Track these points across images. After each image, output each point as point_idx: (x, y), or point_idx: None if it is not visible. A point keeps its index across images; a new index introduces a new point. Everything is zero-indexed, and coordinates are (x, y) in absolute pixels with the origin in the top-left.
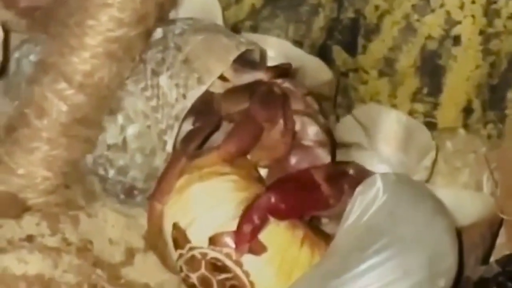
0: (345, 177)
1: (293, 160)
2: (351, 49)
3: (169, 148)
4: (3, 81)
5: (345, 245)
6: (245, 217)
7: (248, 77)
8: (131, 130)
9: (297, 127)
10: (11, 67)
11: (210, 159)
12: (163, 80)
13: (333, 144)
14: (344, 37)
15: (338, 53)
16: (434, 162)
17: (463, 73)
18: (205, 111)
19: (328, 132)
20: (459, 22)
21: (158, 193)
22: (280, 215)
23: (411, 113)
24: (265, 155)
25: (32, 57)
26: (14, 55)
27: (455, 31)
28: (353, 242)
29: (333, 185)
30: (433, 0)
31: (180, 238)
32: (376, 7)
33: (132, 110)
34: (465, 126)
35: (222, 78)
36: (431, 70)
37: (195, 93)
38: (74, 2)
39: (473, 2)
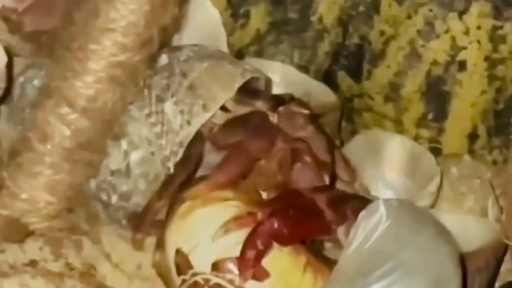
0: (348, 202)
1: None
2: (356, 74)
3: None
4: (7, 106)
5: (349, 270)
6: (248, 242)
7: (249, 108)
8: (134, 156)
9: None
10: (15, 92)
11: (198, 190)
12: (168, 106)
13: (333, 168)
14: (349, 62)
15: (343, 79)
16: (439, 187)
17: (468, 99)
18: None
19: (329, 155)
20: (465, 48)
21: (136, 229)
22: (283, 241)
23: (416, 138)
24: (264, 181)
25: (36, 82)
26: (18, 80)
27: (461, 56)
28: (357, 267)
29: (336, 210)
30: (438, 25)
31: (183, 264)
32: (382, 33)
33: (136, 136)
34: (471, 152)
35: (223, 108)
36: (436, 96)
37: (200, 120)
38: (77, 27)
39: (479, 28)
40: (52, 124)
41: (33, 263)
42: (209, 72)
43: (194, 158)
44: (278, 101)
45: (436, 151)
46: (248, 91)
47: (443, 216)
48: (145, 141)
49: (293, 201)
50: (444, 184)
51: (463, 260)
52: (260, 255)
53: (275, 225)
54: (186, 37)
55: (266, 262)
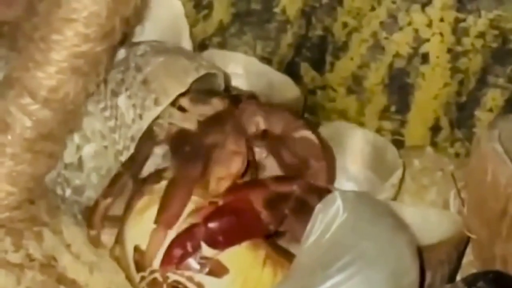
0: (286, 201)
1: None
2: (319, 66)
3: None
4: None
5: (308, 263)
6: (178, 240)
7: (204, 106)
8: (87, 149)
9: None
10: None
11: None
12: (122, 100)
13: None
14: (312, 54)
15: (306, 70)
16: (401, 180)
17: (431, 91)
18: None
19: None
20: (427, 40)
21: (89, 226)
22: (217, 245)
23: (378, 130)
24: (224, 171)
25: (0, 75)
26: None
27: (423, 49)
28: (316, 260)
29: (273, 211)
30: (401, 18)
31: (142, 261)
32: (345, 25)
33: (89, 130)
34: (433, 144)
35: (180, 108)
36: (399, 88)
37: (151, 114)
38: (39, 17)
39: (442, 20)
40: (13, 114)
41: None
42: (163, 66)
43: (142, 156)
44: (236, 99)
45: (398, 143)
46: (200, 91)
47: (405, 208)
48: (99, 135)
49: (230, 204)
50: (406, 176)
51: (420, 251)
52: (185, 256)
53: (209, 230)
54: (148, 28)
55: (224, 257)
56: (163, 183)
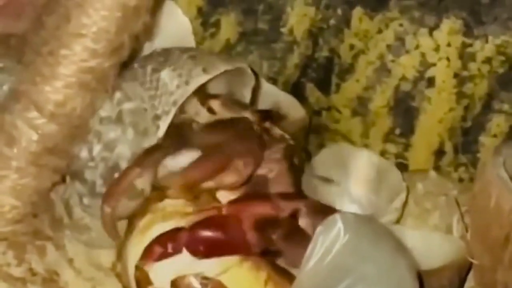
0: (276, 227)
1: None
2: (324, 87)
3: (160, 133)
4: None
5: (309, 286)
6: (161, 239)
7: (234, 114)
8: (127, 105)
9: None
10: None
11: (172, 181)
12: (165, 73)
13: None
14: (318, 75)
15: (312, 91)
16: (405, 203)
17: (436, 115)
18: (181, 136)
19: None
20: (434, 64)
21: (107, 196)
22: (197, 253)
23: (382, 153)
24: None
25: (6, 88)
26: None
27: (430, 73)
28: (318, 283)
29: (260, 235)
30: (408, 41)
31: (143, 280)
32: (351, 47)
33: (131, 91)
34: (437, 168)
35: (210, 110)
36: (404, 111)
37: (199, 80)
38: (48, 31)
39: (449, 45)
40: (19, 128)
41: None
42: (209, 51)
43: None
44: (265, 115)
45: (402, 167)
46: (234, 100)
47: (408, 232)
48: (139, 98)
49: (219, 217)
50: (409, 200)
51: (421, 275)
52: (164, 256)
53: (193, 238)
54: (157, 44)
55: (225, 278)
56: (167, 201)
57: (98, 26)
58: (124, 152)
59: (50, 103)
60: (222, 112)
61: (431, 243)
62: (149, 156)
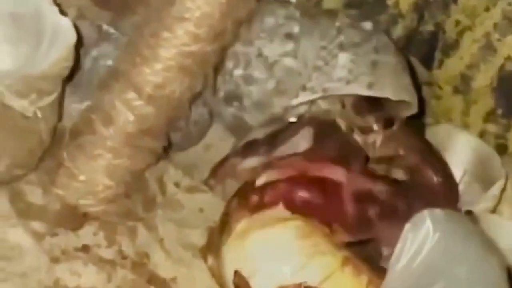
0: (374, 204)
1: None
2: (427, 62)
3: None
4: (72, 83)
5: (399, 287)
6: (259, 190)
7: (360, 116)
8: (286, 61)
9: None
10: (85, 64)
11: (291, 161)
12: (344, 57)
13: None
14: (422, 49)
15: (414, 65)
16: (502, 190)
17: None
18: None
19: None
20: None
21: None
22: (290, 206)
23: (482, 133)
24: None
25: (110, 62)
26: (91, 53)
27: None
28: (409, 284)
29: (358, 207)
30: None
31: (243, 286)
32: (457, 22)
33: (300, 53)
34: None
35: (342, 104)
36: (507, 92)
37: (357, 91)
38: (151, 12)
39: None
40: (117, 108)
41: (85, 248)
42: (395, 68)
43: (284, 136)
44: (389, 121)
45: (501, 148)
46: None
47: (504, 222)
48: (302, 62)
49: (320, 178)
50: (507, 185)
51: (509, 270)
52: (259, 206)
53: (290, 191)
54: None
55: (328, 285)
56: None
57: (202, 10)
58: (255, 92)
59: (148, 86)
60: (349, 111)
61: None
62: (249, 148)
